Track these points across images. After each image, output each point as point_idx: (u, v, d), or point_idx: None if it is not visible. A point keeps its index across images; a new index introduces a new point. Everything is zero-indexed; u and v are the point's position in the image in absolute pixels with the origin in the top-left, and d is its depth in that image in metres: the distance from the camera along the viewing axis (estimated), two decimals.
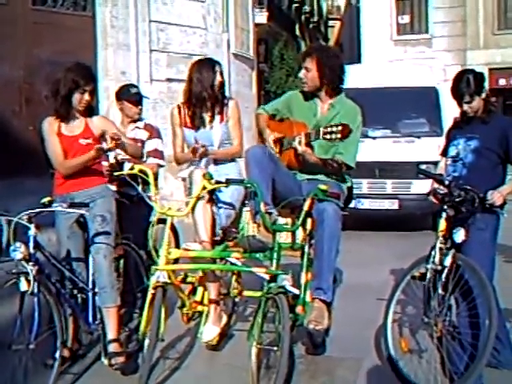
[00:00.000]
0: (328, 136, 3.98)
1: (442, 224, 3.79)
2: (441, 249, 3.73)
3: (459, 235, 3.71)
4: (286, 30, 18.07)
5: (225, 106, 4.49)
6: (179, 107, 4.55)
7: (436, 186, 3.98)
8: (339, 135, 3.93)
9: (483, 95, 3.91)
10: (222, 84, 4.47)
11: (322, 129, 4.02)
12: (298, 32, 19.27)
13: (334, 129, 3.95)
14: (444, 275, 3.66)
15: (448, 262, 3.67)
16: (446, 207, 3.79)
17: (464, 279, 3.66)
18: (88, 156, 4.03)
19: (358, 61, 19.06)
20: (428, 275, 3.71)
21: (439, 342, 3.65)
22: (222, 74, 4.49)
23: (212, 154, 4.39)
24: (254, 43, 13.83)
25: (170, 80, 10.69)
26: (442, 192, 3.90)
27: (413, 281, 3.88)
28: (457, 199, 3.74)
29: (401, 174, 9.34)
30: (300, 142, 4.13)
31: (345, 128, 3.92)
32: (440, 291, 3.65)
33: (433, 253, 3.75)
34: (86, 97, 4.08)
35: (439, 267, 3.69)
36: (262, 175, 4.02)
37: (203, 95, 4.41)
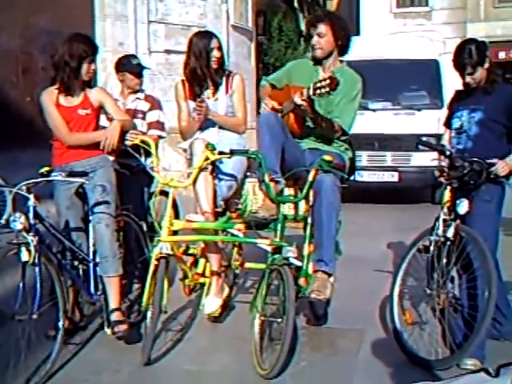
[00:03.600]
0: (318, 91, 3.92)
1: (447, 195, 3.73)
2: (444, 220, 3.68)
3: (463, 206, 3.66)
4: (284, 2, 17.87)
5: (229, 78, 4.43)
6: (183, 81, 4.49)
7: (441, 159, 3.92)
8: (327, 88, 3.87)
9: (486, 65, 3.80)
10: (220, 59, 4.39)
11: (311, 85, 3.96)
12: (296, 4, 19.06)
13: (323, 83, 3.90)
14: (447, 247, 3.62)
15: (451, 233, 3.63)
16: (450, 178, 3.73)
17: (466, 251, 3.63)
18: (99, 136, 4.03)
19: (357, 33, 18.88)
20: (431, 247, 3.68)
21: (441, 314, 3.63)
22: (220, 48, 4.40)
23: (214, 116, 4.32)
24: (253, 15, 13.66)
25: (168, 52, 10.58)
26: (444, 164, 3.84)
27: (418, 253, 3.84)
28: (463, 171, 3.67)
29: (401, 147, 9.32)
30: (296, 97, 4.07)
31: (332, 81, 3.86)
32: (443, 263, 3.62)
33: (437, 224, 3.71)
34: (93, 66, 4.07)
35: (442, 239, 3.65)
36: (273, 142, 3.98)
37: (198, 72, 4.36)
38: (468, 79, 3.82)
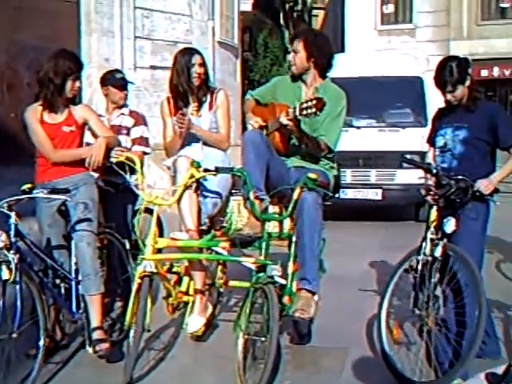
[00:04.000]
0: (304, 112, 3.94)
1: (433, 214, 3.72)
2: (432, 239, 3.67)
3: (449, 225, 3.65)
4: (270, 19, 17.99)
5: (214, 95, 4.44)
6: (168, 98, 4.49)
7: (427, 178, 3.92)
8: (314, 109, 3.88)
9: (467, 83, 3.79)
10: (204, 75, 4.40)
11: (298, 105, 3.98)
12: (282, 21, 19.20)
13: (309, 103, 3.92)
14: (435, 266, 3.61)
15: (439, 252, 3.61)
16: (437, 197, 3.73)
17: (453, 270, 3.62)
18: (84, 152, 4.02)
19: (342, 50, 19.03)
20: (419, 266, 3.65)
21: (428, 335, 3.61)
22: (203, 64, 4.41)
23: (197, 130, 4.32)
24: (239, 31, 13.73)
25: (154, 67, 10.59)
26: (430, 183, 3.85)
27: (405, 274, 3.83)
28: (450, 190, 3.67)
29: (385, 164, 9.37)
30: (282, 117, 4.08)
31: (319, 101, 3.88)
32: (431, 283, 3.60)
33: (424, 244, 3.69)
34: (78, 83, 4.07)
35: (430, 258, 3.63)
36: (258, 160, 3.99)
37: (180, 89, 4.37)
38: (449, 97, 3.83)
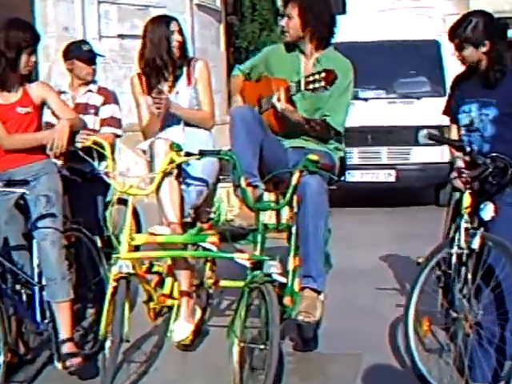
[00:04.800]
0: (311, 85, 3.95)
1: (467, 199, 3.67)
2: (466, 229, 3.63)
3: (488, 211, 3.60)
4: None
5: (190, 66, 4.46)
6: (139, 75, 4.51)
7: (458, 161, 3.86)
8: (323, 83, 3.90)
9: (483, 48, 3.70)
10: (182, 43, 4.43)
11: (303, 79, 4.00)
12: None
13: (317, 76, 3.93)
14: (471, 260, 3.58)
15: (476, 243, 3.57)
16: (469, 180, 3.64)
17: (487, 264, 3.58)
18: (44, 137, 4.01)
19: (343, 11, 18.98)
20: (453, 261, 3.63)
21: (463, 341, 3.60)
22: (181, 31, 4.44)
23: (177, 109, 4.34)
24: None
25: (122, 36, 10.61)
26: (461, 164, 3.78)
27: (436, 269, 3.83)
28: (486, 171, 3.57)
29: (398, 141, 9.39)
30: (279, 99, 4.11)
31: (329, 74, 3.89)
32: (469, 280, 3.58)
33: (457, 235, 3.65)
34: (34, 58, 4.07)
35: (466, 251, 3.60)
36: (250, 140, 4.01)
37: (158, 62, 4.39)
38: (456, 54, 3.77)
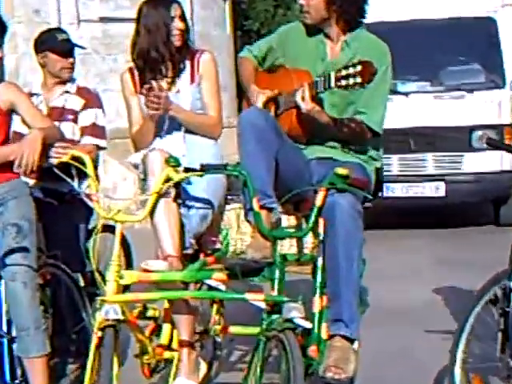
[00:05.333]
0: (343, 82, 3.96)
1: None
2: None
3: None
4: None
5: (195, 60, 4.49)
6: (131, 70, 4.53)
7: None
8: (358, 78, 3.90)
9: None
10: (185, 31, 4.46)
11: (332, 73, 4.01)
12: None
13: (351, 70, 3.93)
14: None
15: None
16: None
17: None
18: (12, 152, 4.04)
19: None
20: None
21: None
22: (183, 16, 4.46)
23: (177, 112, 4.36)
24: None
25: (105, 20, 10.66)
26: None
27: (490, 306, 3.84)
28: None
29: (447, 145, 9.40)
30: (303, 97, 4.12)
31: (366, 67, 3.89)
32: None
33: None
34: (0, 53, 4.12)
35: None
36: (263, 152, 4.01)
37: (153, 55, 4.41)
38: None
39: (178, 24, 4.41)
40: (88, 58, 9.91)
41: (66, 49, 5.09)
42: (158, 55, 4.42)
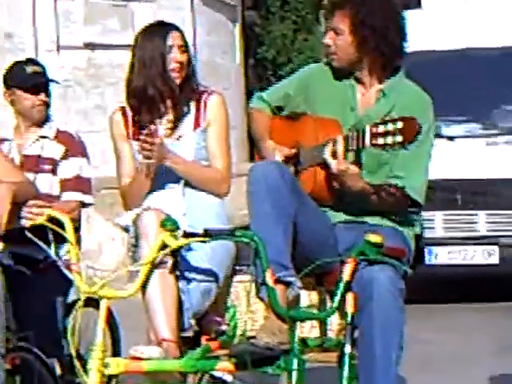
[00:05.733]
0: (381, 140, 3.98)
1: None
2: None
3: None
4: None
5: (201, 101, 4.54)
6: (123, 110, 4.58)
7: None
8: (399, 137, 3.93)
9: None
10: (186, 65, 4.52)
11: (368, 128, 4.03)
12: None
13: (390, 127, 3.95)
14: None
15: None
16: None
17: None
18: None
19: (418, 4, 19.13)
20: None
21: None
22: (184, 47, 4.53)
23: (175, 162, 4.40)
24: None
25: (90, 46, 10.73)
26: None
27: None
28: None
29: (502, 202, 9.40)
30: (335, 154, 4.13)
31: (409, 125, 3.92)
32: None
33: None
34: None
35: None
36: (278, 215, 4.02)
37: (149, 93, 4.46)
38: None
39: (176, 55, 4.47)
40: (69, 92, 9.97)
41: (36, 83, 5.14)
42: (156, 92, 4.46)
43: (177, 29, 4.58)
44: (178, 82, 4.49)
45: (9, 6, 10.09)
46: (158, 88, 4.46)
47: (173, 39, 4.49)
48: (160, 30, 4.58)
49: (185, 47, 4.54)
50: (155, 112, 4.50)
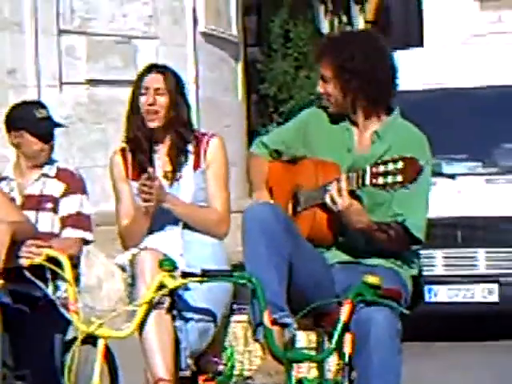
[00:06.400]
0: (381, 180, 3.98)
1: None
2: None
3: None
4: None
5: (201, 144, 4.58)
6: (123, 152, 4.62)
7: None
8: (400, 177, 3.93)
9: None
10: (164, 108, 4.55)
11: (368, 168, 4.04)
12: None
13: (391, 167, 3.96)
14: None
15: None
16: None
17: None
18: None
19: (420, 42, 19.19)
20: None
21: None
22: (164, 89, 4.56)
23: (173, 204, 4.42)
24: (240, 14, 13.95)
25: (93, 82, 10.74)
26: None
27: None
28: None
29: (502, 240, 9.39)
30: (340, 190, 4.12)
31: (410, 164, 3.93)
32: None
33: None
34: None
35: None
36: (273, 257, 4.02)
37: (134, 133, 4.56)
38: None
39: (148, 98, 4.52)
40: (71, 128, 9.91)
41: (47, 130, 5.16)
42: (138, 134, 4.56)
43: (161, 72, 4.62)
44: (152, 125, 4.54)
45: (12, 41, 10.10)
46: (138, 130, 4.55)
47: (149, 81, 4.55)
48: (144, 71, 4.65)
49: (166, 90, 4.56)
50: (148, 153, 4.56)
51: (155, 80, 4.54)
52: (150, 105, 4.51)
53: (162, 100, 4.52)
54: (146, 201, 4.34)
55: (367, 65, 4.30)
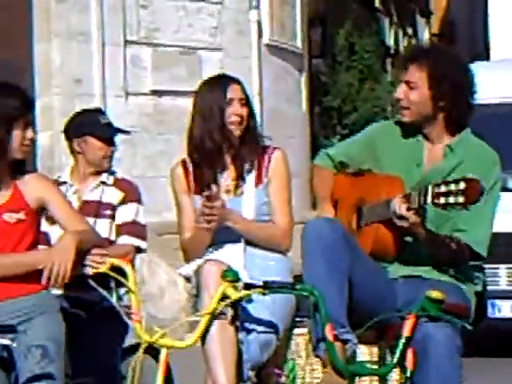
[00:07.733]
0: (442, 199, 3.95)
1: None
2: None
3: None
4: (357, 1, 18.20)
5: (264, 157, 4.56)
6: (185, 164, 4.60)
7: None
8: (461, 198, 3.90)
9: None
10: (246, 118, 4.55)
11: (430, 187, 4.01)
12: (377, 3, 19.38)
13: (453, 187, 3.93)
14: None
15: None
16: None
17: None
18: (39, 259, 4.08)
19: (486, 56, 19.07)
20: None
21: None
22: (246, 99, 4.56)
23: (236, 222, 4.41)
24: (304, 26, 13.94)
25: (157, 93, 10.80)
26: None
27: None
28: None
29: None
30: (409, 207, 4.09)
31: (472, 186, 3.89)
32: None
33: None
34: (30, 133, 4.18)
35: None
36: (333, 273, 4.02)
37: (208, 145, 4.49)
38: None
39: (236, 108, 4.50)
40: (136, 138, 9.98)
41: (112, 135, 5.22)
42: (214, 146, 4.50)
43: (237, 82, 4.61)
44: (237, 134, 4.52)
45: (79, 51, 10.19)
46: (215, 141, 4.49)
47: (233, 92, 4.53)
48: (221, 82, 4.63)
49: (245, 100, 4.57)
50: (215, 166, 4.54)
51: (238, 90, 4.54)
52: (240, 116, 4.51)
53: (245, 111, 4.53)
54: (209, 222, 4.34)
55: (459, 77, 4.29)
